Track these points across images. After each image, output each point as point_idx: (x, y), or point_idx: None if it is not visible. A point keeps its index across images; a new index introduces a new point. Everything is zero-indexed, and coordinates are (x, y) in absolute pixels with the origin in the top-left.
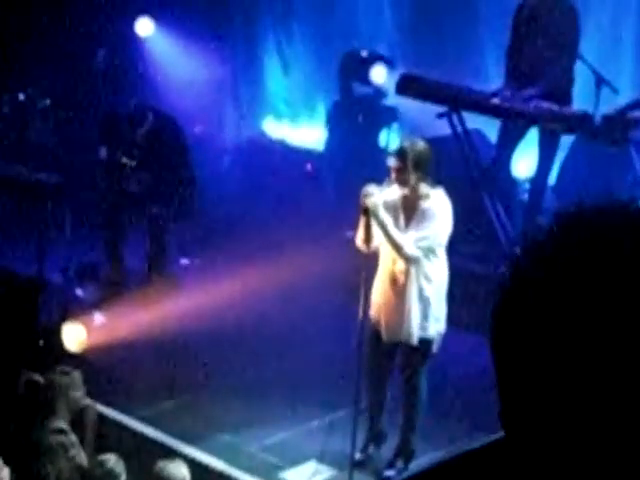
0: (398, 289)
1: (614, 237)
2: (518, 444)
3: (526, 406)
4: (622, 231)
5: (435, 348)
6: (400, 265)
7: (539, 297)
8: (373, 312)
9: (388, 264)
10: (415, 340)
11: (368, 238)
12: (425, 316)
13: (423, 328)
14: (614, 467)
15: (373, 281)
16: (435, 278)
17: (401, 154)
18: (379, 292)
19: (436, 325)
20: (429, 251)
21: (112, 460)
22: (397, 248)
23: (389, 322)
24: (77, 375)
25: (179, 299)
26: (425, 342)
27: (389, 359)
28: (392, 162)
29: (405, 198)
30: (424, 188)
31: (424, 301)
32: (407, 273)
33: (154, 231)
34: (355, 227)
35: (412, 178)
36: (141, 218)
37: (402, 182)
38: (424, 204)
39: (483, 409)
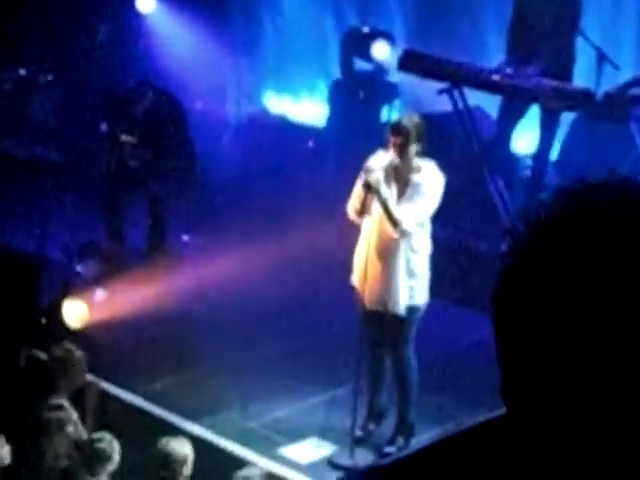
0: (386, 260)
1: (615, 213)
2: (520, 420)
3: (528, 382)
4: (623, 207)
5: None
6: (388, 237)
7: (540, 272)
8: (356, 281)
9: (375, 235)
10: (402, 310)
11: (363, 211)
12: (412, 286)
13: (410, 297)
14: (617, 444)
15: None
16: (421, 249)
17: (402, 130)
18: (366, 262)
19: (422, 295)
20: (419, 224)
21: (105, 440)
22: (395, 223)
23: (374, 292)
24: (78, 352)
25: (180, 275)
26: (411, 310)
27: (380, 332)
28: (393, 138)
29: (397, 170)
30: (417, 161)
31: (411, 272)
32: (396, 245)
33: (155, 207)
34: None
35: (412, 152)
36: (142, 194)
37: (401, 156)
38: (417, 178)
39: (480, 385)
